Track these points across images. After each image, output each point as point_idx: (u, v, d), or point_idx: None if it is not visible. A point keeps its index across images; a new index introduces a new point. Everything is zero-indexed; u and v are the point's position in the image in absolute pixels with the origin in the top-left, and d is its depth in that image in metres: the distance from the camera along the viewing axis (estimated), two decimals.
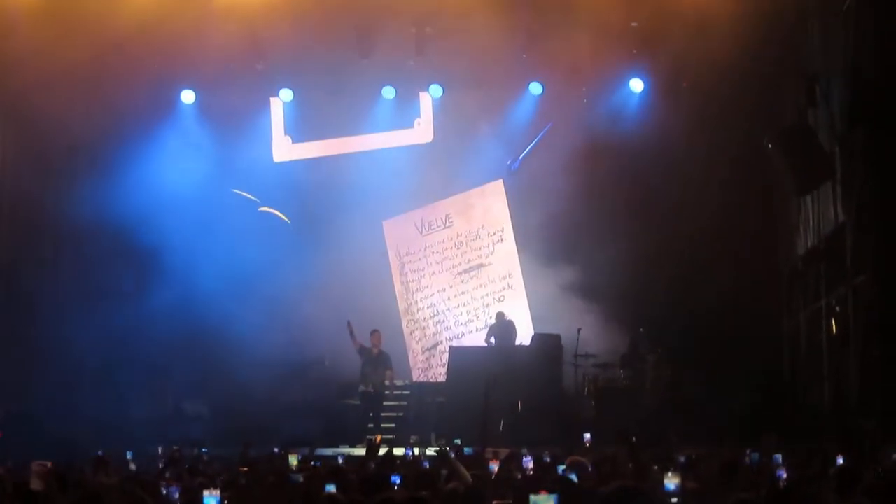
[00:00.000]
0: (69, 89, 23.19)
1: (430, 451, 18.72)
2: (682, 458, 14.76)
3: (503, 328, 24.76)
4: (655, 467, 12.50)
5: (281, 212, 26.84)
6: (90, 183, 24.70)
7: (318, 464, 14.99)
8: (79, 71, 23.15)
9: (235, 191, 26.63)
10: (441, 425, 22.84)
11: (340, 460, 16.49)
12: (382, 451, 16.66)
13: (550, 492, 8.46)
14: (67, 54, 22.52)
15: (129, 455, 16.35)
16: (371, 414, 23.28)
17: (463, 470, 12.02)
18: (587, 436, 17.63)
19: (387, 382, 23.54)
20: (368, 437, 22.05)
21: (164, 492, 11.26)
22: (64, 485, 11.58)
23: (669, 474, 9.60)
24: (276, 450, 17.56)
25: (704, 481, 11.23)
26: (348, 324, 23.20)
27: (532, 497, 8.31)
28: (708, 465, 13.19)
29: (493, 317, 25.62)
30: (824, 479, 11.24)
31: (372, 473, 12.02)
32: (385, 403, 23.85)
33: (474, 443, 19.09)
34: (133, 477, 13.51)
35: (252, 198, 26.67)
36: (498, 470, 13.46)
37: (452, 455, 14.02)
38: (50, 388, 23.01)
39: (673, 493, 9.62)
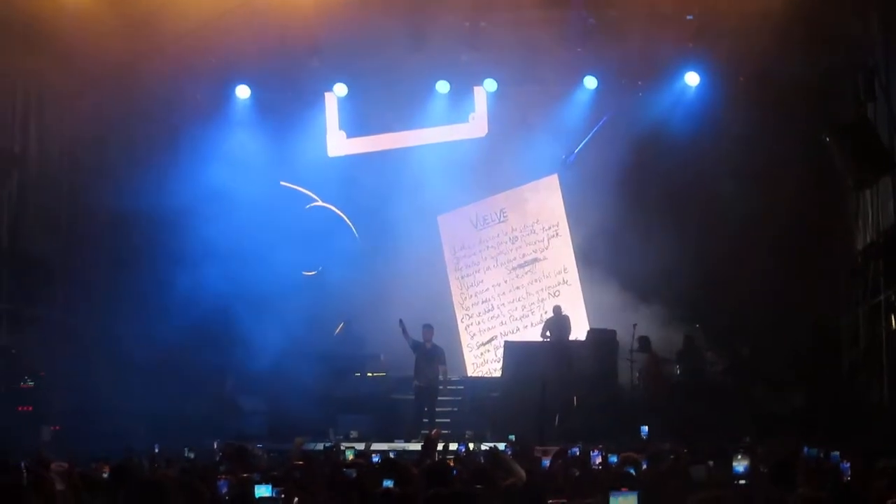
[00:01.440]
0: (125, 84, 23.36)
1: (484, 447, 18.70)
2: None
3: (559, 323, 24.65)
4: (711, 462, 12.41)
5: (336, 206, 26.91)
6: (145, 177, 24.80)
7: (376, 458, 14.96)
8: (135, 65, 23.30)
9: (284, 183, 26.73)
10: (496, 420, 22.79)
11: (392, 455, 16.44)
12: (440, 445, 16.63)
13: (631, 489, 8.38)
14: (124, 48, 22.69)
15: (185, 450, 16.38)
16: (426, 409, 23.27)
17: (517, 466, 11.98)
18: (644, 429, 17.54)
19: (441, 377, 23.50)
20: (423, 431, 22.04)
21: (220, 485, 11.29)
22: (122, 478, 11.63)
23: (739, 456, 9.56)
24: (330, 444, 17.58)
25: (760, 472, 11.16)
26: (400, 321, 23.19)
27: (613, 494, 8.23)
28: (765, 454, 13.10)
29: (550, 311, 25.53)
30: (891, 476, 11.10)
31: (432, 466, 11.96)
32: (440, 398, 23.83)
33: (530, 438, 19.03)
34: (190, 469, 13.56)
35: (303, 190, 26.76)
36: (550, 466, 13.40)
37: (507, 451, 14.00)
38: (107, 383, 23.13)
39: (742, 476, 9.59)
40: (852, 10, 22.49)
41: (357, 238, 26.77)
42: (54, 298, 24.36)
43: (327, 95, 26.91)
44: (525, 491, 9.87)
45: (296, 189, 26.87)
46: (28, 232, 24.45)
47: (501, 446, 16.73)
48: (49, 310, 24.07)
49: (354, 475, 12.00)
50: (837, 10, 22.14)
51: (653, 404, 22.65)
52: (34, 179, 24.41)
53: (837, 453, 13.84)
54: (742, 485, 10.03)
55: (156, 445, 16.63)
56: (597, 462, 13.69)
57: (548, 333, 24.60)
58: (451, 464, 13.32)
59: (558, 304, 25.29)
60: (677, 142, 25.03)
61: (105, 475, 11.97)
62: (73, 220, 24.98)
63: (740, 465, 9.71)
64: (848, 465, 11.92)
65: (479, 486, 10.51)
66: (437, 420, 22.98)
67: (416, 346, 23.39)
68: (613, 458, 13.16)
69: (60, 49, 22.35)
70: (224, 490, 10.95)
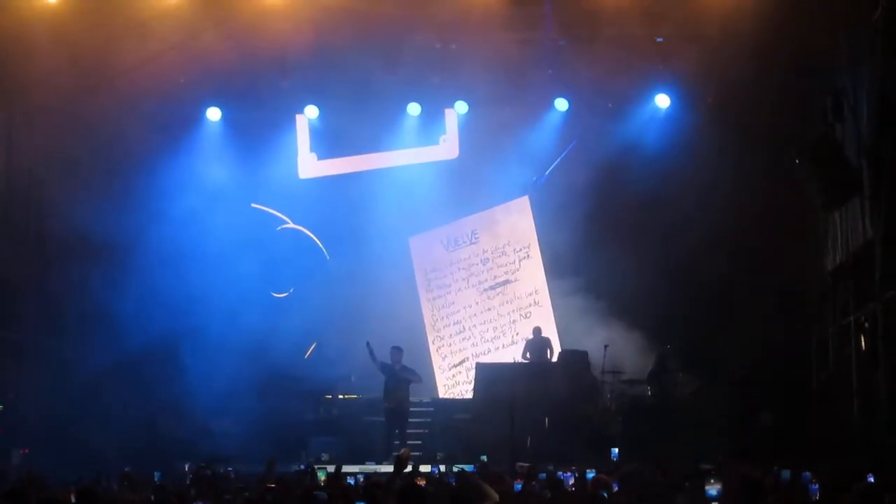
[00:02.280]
0: (95, 103, 23.31)
1: (456, 468, 18.67)
2: (708, 467, 14.70)
3: (539, 344, 24.68)
4: (686, 483, 12.41)
5: (307, 228, 26.90)
6: (114, 198, 24.74)
7: (352, 480, 14.94)
8: (105, 84, 23.27)
9: (255, 205, 26.70)
10: (468, 442, 22.74)
11: (362, 478, 16.39)
12: (410, 466, 16.58)
13: None
14: (94, 67, 22.68)
15: (156, 474, 16.31)
16: (396, 431, 23.21)
17: (487, 488, 11.93)
18: (615, 451, 17.54)
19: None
20: (394, 453, 22.00)
21: None
22: (92, 500, 11.57)
23: (712, 480, 9.58)
24: (302, 466, 17.53)
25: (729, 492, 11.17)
26: (367, 344, 23.11)
27: None
28: (732, 476, 13.10)
29: (521, 332, 25.51)
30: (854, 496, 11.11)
31: (406, 487, 11.92)
32: (411, 420, 23.77)
33: (503, 460, 19.00)
34: (160, 492, 13.51)
35: (274, 212, 26.73)
36: (523, 487, 13.39)
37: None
38: (77, 406, 23.03)
39: (714, 498, 9.60)
40: (822, 32, 22.62)
41: (328, 260, 26.77)
42: (22, 320, 24.19)
43: (298, 117, 26.91)
44: None
45: (267, 211, 26.82)
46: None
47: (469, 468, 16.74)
48: (17, 331, 23.92)
49: (326, 497, 11.97)
50: (807, 32, 22.24)
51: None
52: (1, 199, 24.27)
53: (808, 474, 13.88)
54: None
55: (126, 467, 16.55)
56: (570, 483, 13.68)
57: (527, 355, 24.62)
58: (423, 484, 13.28)
59: (538, 325, 25.29)
60: (648, 163, 25.09)
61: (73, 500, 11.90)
62: (41, 241, 24.83)
63: (713, 488, 9.72)
64: (817, 486, 11.95)
65: None
66: (408, 442, 22.92)
67: (385, 368, 23.30)
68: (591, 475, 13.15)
69: (29, 69, 22.31)
70: None
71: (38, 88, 23.20)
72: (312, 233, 27.05)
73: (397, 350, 23.38)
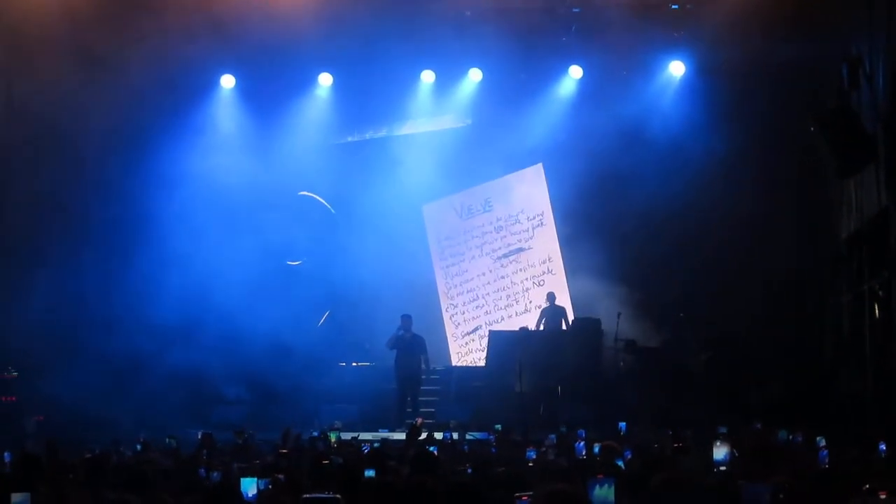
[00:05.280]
0: (106, 75, 23.30)
1: (469, 436, 18.74)
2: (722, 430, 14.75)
3: (555, 312, 24.70)
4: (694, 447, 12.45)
5: (321, 196, 26.92)
6: (120, 171, 24.78)
7: (365, 448, 14.99)
8: (117, 55, 23.25)
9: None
10: (480, 410, 22.80)
11: (377, 445, 16.46)
12: (423, 434, 16.67)
13: (607, 475, 8.39)
14: (102, 35, 22.71)
15: (167, 439, 16.36)
16: (409, 398, 23.24)
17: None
18: (623, 425, 17.53)
19: (423, 366, 23.39)
20: (408, 421, 22.09)
21: (204, 474, 11.30)
22: (104, 467, 11.64)
23: (718, 443, 9.60)
24: (315, 433, 17.59)
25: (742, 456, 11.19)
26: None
27: (591, 482, 8.24)
28: (745, 440, 13.15)
29: (534, 300, 25.50)
30: (866, 464, 11.14)
31: (418, 454, 11.96)
32: (424, 388, 23.82)
33: (515, 428, 19.05)
34: (174, 457, 13.60)
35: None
36: (537, 455, 13.41)
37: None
38: (92, 373, 23.11)
39: (722, 463, 9.61)
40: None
41: (341, 227, 26.69)
42: (37, 287, 24.24)
43: (312, 85, 26.84)
44: (510, 479, 9.86)
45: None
46: (9, 218, 24.37)
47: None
48: (32, 298, 23.98)
49: (341, 461, 12.02)
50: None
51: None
52: (15, 164, 24.35)
53: (822, 438, 13.89)
54: (722, 471, 10.04)
55: (140, 436, 16.63)
56: (583, 453, 13.68)
57: (542, 323, 24.63)
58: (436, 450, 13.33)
59: (552, 290, 25.25)
60: (662, 131, 25.03)
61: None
62: (55, 207, 24.82)
63: (720, 452, 9.74)
64: (826, 452, 11.96)
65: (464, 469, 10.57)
66: (421, 410, 22.99)
67: (394, 340, 23.19)
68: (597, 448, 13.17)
69: (34, 36, 22.33)
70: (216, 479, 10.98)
71: (45, 55, 23.17)
72: (326, 201, 27.05)
73: (407, 318, 23.28)
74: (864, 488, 8.10)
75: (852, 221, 22.93)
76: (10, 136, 24.41)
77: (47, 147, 24.47)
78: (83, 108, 23.69)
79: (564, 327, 24.50)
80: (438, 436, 17.69)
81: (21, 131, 24.39)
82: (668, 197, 24.83)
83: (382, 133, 27.18)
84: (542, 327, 24.59)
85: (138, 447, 15.42)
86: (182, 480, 11.03)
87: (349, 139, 27.23)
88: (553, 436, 15.78)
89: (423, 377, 23.55)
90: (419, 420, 20.95)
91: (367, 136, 27.19)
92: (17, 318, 23.14)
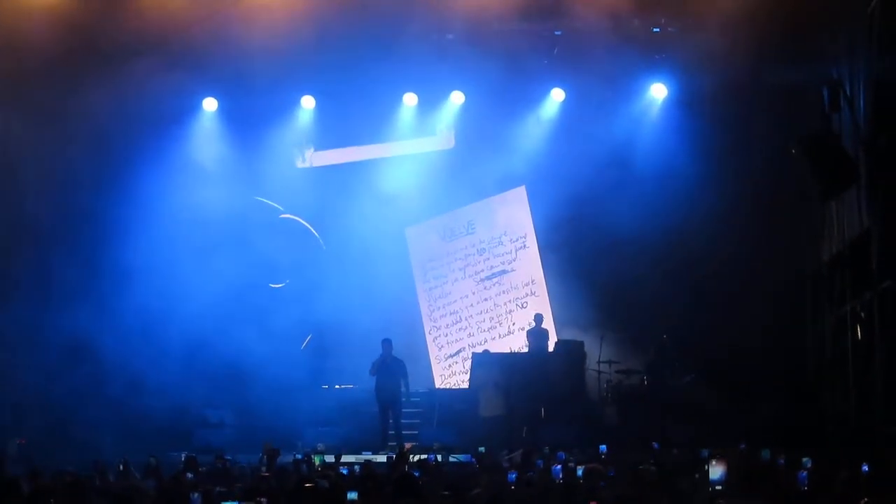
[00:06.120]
0: (91, 92, 23.29)
1: (452, 458, 18.72)
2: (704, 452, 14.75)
3: (539, 334, 24.75)
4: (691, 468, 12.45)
5: (303, 218, 26.89)
6: (110, 186, 24.79)
7: (344, 471, 14.96)
8: (99, 73, 23.25)
9: (259, 198, 26.67)
10: (464, 432, 22.77)
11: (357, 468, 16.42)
12: (412, 459, 16.67)
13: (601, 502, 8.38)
14: (88, 50, 22.77)
15: (150, 458, 16.29)
16: (391, 421, 23.16)
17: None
18: (603, 447, 17.49)
19: (403, 390, 23.28)
20: (391, 443, 22.06)
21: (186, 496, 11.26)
22: (86, 490, 11.60)
23: (713, 463, 9.59)
24: (299, 456, 17.54)
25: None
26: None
27: None
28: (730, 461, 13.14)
29: (517, 322, 25.52)
30: (849, 485, 11.16)
31: (400, 477, 11.95)
32: (407, 410, 23.76)
33: (498, 450, 19.04)
34: (156, 477, 13.55)
35: (274, 204, 26.73)
36: (517, 478, 13.39)
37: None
38: (74, 395, 23.04)
39: (718, 482, 9.59)
40: (818, 22, 22.62)
41: (324, 249, 26.73)
42: (20, 312, 24.15)
43: (294, 107, 26.83)
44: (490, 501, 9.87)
45: (266, 202, 26.78)
46: None
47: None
48: (14, 323, 23.89)
49: (328, 486, 12.00)
50: (803, 23, 22.24)
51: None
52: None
53: (808, 459, 13.90)
54: (718, 491, 10.04)
55: (122, 457, 16.54)
56: (559, 477, 13.62)
57: (528, 344, 24.71)
58: (418, 473, 13.31)
59: (539, 312, 25.29)
60: (645, 152, 25.12)
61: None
62: (40, 232, 24.76)
63: (716, 472, 9.71)
64: (805, 474, 11.97)
65: (446, 494, 10.54)
66: (403, 432, 22.93)
67: (375, 365, 23.10)
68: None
69: (22, 56, 22.35)
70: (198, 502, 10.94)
71: (30, 76, 23.17)
72: (309, 223, 27.03)
73: (387, 342, 23.18)
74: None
75: (834, 243, 23.02)
76: None
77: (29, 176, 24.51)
78: (63, 135, 23.75)
79: (551, 350, 24.54)
80: (422, 457, 17.61)
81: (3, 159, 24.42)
82: (650, 219, 24.88)
83: (365, 156, 27.12)
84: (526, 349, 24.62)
85: (120, 468, 15.35)
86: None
87: (331, 162, 27.15)
88: (540, 461, 15.64)
89: (404, 399, 23.45)
90: (408, 445, 20.91)
91: (350, 158, 27.12)
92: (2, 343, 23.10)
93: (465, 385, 25.14)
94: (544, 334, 24.91)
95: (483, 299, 27.24)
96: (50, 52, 22.68)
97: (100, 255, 24.83)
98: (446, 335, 27.31)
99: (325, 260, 26.41)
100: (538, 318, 25.05)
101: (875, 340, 20.23)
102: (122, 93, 23.43)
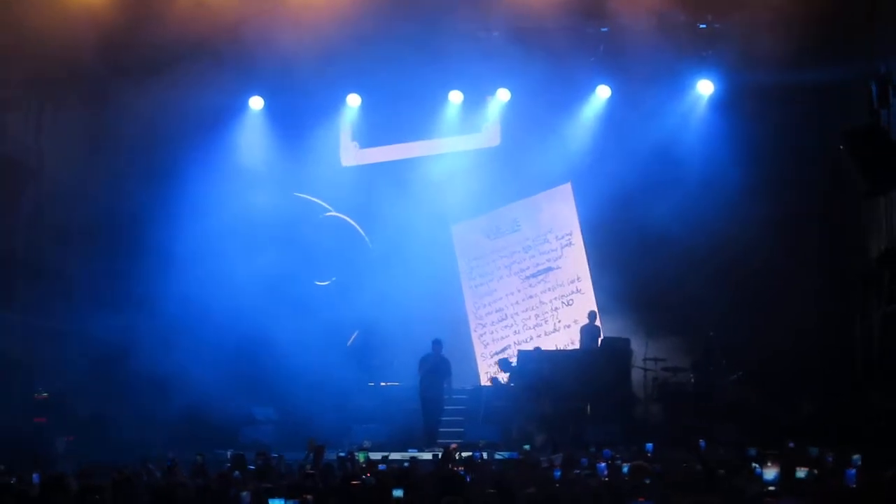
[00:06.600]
0: (137, 90, 23.50)
1: (498, 456, 18.72)
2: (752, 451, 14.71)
3: (592, 331, 24.77)
4: (721, 471, 12.40)
5: (349, 216, 26.97)
6: (158, 188, 24.97)
7: (382, 467, 15.01)
8: (148, 74, 23.45)
9: (298, 194, 26.77)
10: (509, 429, 22.79)
11: (406, 465, 16.47)
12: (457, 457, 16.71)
13: (647, 499, 8.37)
14: (138, 58, 22.93)
15: (197, 456, 16.40)
16: (435, 419, 23.22)
17: None
18: (650, 446, 17.47)
19: (445, 385, 23.38)
20: (439, 441, 22.09)
21: (233, 494, 11.34)
22: (133, 487, 11.69)
23: (768, 464, 9.54)
24: (343, 454, 17.60)
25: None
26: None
27: None
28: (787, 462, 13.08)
29: (564, 320, 25.51)
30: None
31: (444, 474, 12.00)
32: (453, 408, 23.81)
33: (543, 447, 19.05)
34: (202, 475, 13.63)
35: (316, 200, 26.82)
36: (562, 475, 13.39)
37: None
38: (122, 394, 23.21)
39: (772, 483, 9.54)
40: (866, 16, 22.46)
41: (370, 248, 26.83)
42: (68, 309, 24.37)
43: (340, 106, 26.93)
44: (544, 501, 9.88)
45: (309, 199, 26.89)
46: (44, 243, 24.53)
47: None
48: (63, 321, 24.10)
49: (374, 481, 12.05)
50: (851, 16, 22.11)
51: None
52: (49, 190, 24.54)
53: (858, 457, 13.83)
54: (771, 491, 9.98)
55: (169, 455, 16.66)
56: (604, 474, 13.61)
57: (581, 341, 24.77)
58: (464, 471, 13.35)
59: (593, 309, 25.36)
60: (690, 150, 25.03)
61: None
62: (88, 231, 24.97)
63: (770, 472, 9.65)
64: (853, 471, 11.91)
65: (491, 492, 10.56)
66: (448, 429, 22.96)
67: (425, 363, 23.24)
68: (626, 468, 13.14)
69: (71, 58, 22.52)
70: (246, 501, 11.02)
71: (75, 76, 23.39)
72: (355, 221, 27.12)
73: (437, 343, 23.39)
74: None
75: (882, 240, 22.85)
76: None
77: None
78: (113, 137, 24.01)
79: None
80: (466, 454, 17.64)
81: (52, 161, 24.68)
82: (695, 217, 24.76)
83: (411, 154, 27.17)
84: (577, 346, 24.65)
85: (168, 465, 15.45)
86: (211, 501, 11.07)
87: (377, 160, 27.23)
88: (585, 459, 15.64)
89: (446, 397, 23.52)
90: (454, 446, 20.94)
91: (395, 156, 27.19)
92: (51, 341, 23.30)
93: (511, 382, 25.10)
94: (597, 332, 24.91)
95: (528, 297, 27.22)
96: (98, 57, 22.88)
97: (148, 253, 24.97)
98: (492, 332, 27.32)
99: (370, 257, 26.51)
100: (591, 316, 25.08)
101: None
102: (171, 93, 23.62)
